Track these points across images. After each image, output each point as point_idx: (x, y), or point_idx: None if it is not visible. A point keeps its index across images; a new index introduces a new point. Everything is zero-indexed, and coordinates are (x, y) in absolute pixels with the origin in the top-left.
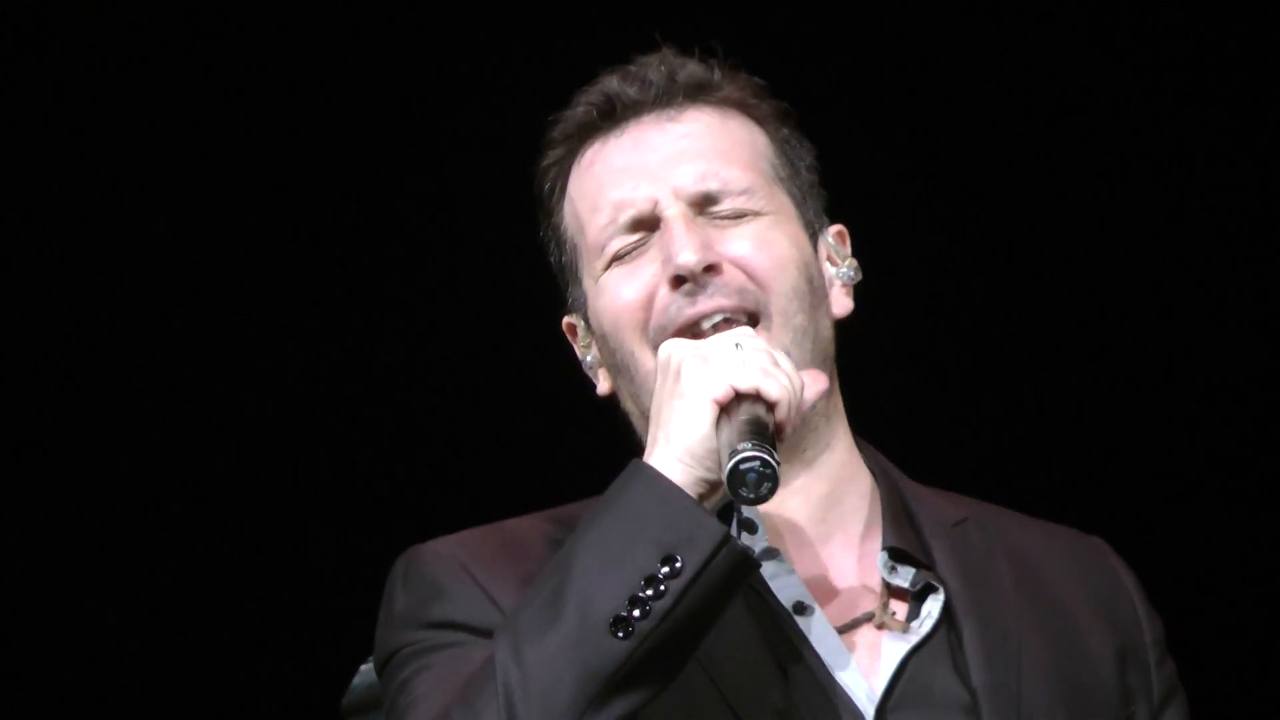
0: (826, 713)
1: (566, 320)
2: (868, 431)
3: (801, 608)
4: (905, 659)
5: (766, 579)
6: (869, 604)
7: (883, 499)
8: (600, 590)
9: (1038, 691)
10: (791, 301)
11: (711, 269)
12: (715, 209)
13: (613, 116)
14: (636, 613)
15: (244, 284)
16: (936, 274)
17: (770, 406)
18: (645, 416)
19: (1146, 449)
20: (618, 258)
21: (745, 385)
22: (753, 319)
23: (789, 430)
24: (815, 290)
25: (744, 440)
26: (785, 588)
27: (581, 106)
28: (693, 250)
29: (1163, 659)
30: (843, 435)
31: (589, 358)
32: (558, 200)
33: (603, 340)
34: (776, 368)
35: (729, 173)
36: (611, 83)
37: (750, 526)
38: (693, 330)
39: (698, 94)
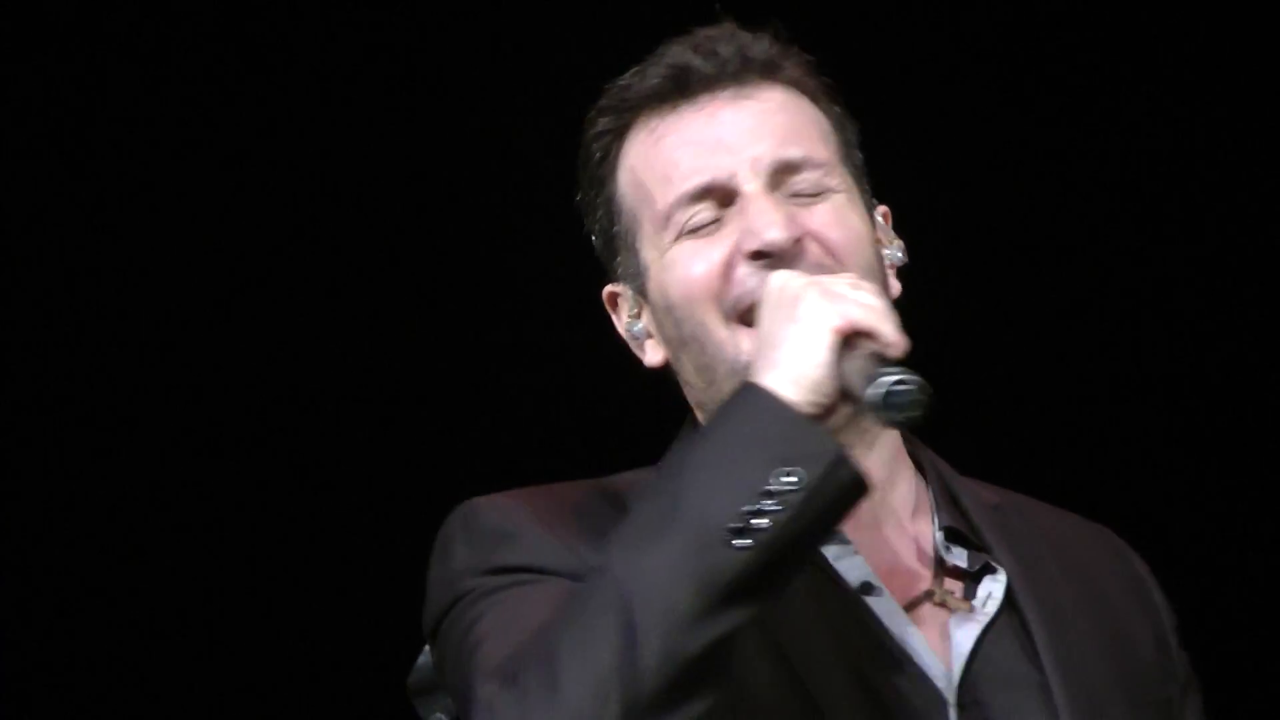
0: (904, 693)
1: (608, 290)
2: None
3: (869, 588)
4: (979, 639)
5: (831, 560)
6: (926, 584)
7: (932, 482)
8: (716, 501)
9: (1100, 670)
10: (867, 277)
11: (796, 243)
12: (793, 185)
13: (686, 89)
14: (754, 523)
15: (296, 250)
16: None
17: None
18: (713, 386)
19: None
20: (690, 231)
21: (867, 322)
22: None
23: None
24: (883, 269)
25: (883, 368)
26: (850, 569)
27: (654, 78)
28: (780, 227)
29: (1179, 645)
30: None
31: (636, 328)
32: (610, 168)
33: (666, 312)
34: (890, 315)
35: (806, 149)
36: (683, 53)
37: None
38: None
39: (768, 72)
